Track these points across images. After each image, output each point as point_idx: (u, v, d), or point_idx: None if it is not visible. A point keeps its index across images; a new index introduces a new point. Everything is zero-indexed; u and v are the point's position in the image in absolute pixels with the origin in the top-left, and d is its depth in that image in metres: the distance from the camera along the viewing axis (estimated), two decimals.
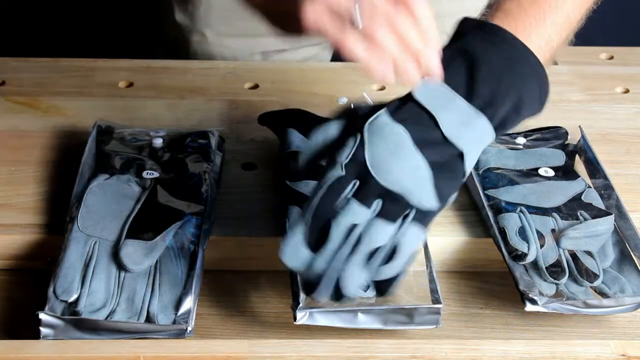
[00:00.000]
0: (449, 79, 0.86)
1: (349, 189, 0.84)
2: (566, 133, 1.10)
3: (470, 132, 0.86)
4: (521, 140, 1.09)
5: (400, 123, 0.85)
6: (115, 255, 0.91)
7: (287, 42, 1.35)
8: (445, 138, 0.85)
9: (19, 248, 0.97)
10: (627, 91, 1.23)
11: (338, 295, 0.83)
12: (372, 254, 0.83)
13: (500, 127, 0.88)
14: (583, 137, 1.09)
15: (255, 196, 1.03)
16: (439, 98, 0.86)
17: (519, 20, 0.90)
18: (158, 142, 1.06)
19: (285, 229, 0.93)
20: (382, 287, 0.85)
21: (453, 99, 0.86)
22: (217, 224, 0.98)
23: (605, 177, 1.04)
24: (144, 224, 0.94)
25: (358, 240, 0.83)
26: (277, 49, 1.35)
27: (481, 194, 1.00)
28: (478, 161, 1.04)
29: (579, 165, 1.08)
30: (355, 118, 0.88)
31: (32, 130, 1.13)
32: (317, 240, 0.83)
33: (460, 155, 0.85)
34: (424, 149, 0.84)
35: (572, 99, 1.21)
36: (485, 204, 0.98)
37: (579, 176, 1.03)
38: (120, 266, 0.90)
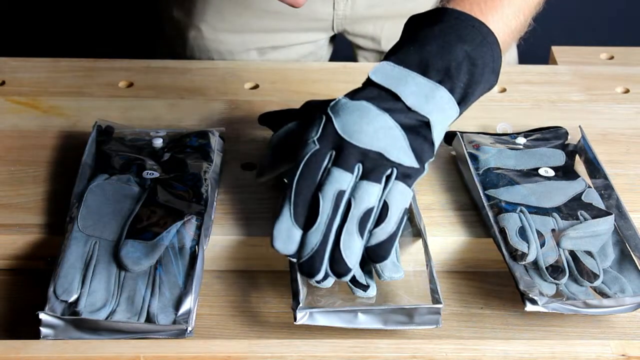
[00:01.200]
0: (402, 60, 0.89)
1: (327, 160, 0.85)
2: (566, 133, 1.10)
3: (432, 102, 0.88)
4: (521, 140, 1.09)
5: (360, 100, 0.88)
6: (115, 255, 0.91)
7: (283, 39, 1.35)
8: (408, 108, 0.88)
9: (19, 248, 0.97)
10: (627, 91, 1.23)
11: (339, 269, 0.84)
12: (363, 220, 0.84)
13: (462, 101, 0.90)
14: (583, 137, 1.09)
15: (255, 196, 1.03)
16: (395, 77, 0.88)
17: (474, 3, 0.92)
18: (158, 142, 1.06)
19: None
20: (378, 252, 0.85)
21: (410, 76, 0.88)
22: (217, 224, 0.98)
23: (605, 177, 1.04)
24: (144, 224, 0.94)
25: (348, 208, 0.84)
26: (273, 45, 1.36)
27: (481, 194, 1.00)
28: (478, 161, 1.04)
29: (579, 165, 1.08)
30: (311, 111, 0.91)
31: (32, 130, 1.13)
32: (306, 218, 0.84)
33: (427, 124, 0.88)
34: (391, 114, 0.87)
35: (572, 99, 1.21)
36: (485, 204, 0.98)
37: (579, 176, 1.03)
38: (120, 266, 0.90)
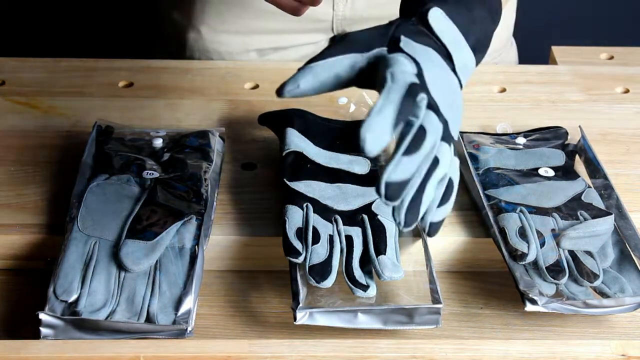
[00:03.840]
0: (454, 17, 0.88)
1: (422, 97, 0.81)
2: (566, 133, 1.10)
3: (466, 70, 0.88)
4: (521, 140, 1.09)
5: (429, 47, 0.86)
6: (115, 255, 0.91)
7: (283, 40, 1.35)
8: (455, 73, 0.87)
9: (19, 248, 0.97)
10: (627, 91, 1.23)
11: (410, 214, 0.80)
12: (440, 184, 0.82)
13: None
14: (583, 137, 1.09)
15: (255, 196, 1.03)
16: (448, 32, 0.87)
17: None
18: (158, 142, 1.06)
19: (285, 229, 0.93)
20: (437, 228, 0.85)
21: (460, 37, 0.88)
22: (217, 224, 0.98)
23: (605, 177, 1.04)
24: (144, 224, 0.94)
25: (430, 161, 0.80)
26: (273, 47, 1.36)
27: (481, 194, 1.00)
28: (478, 161, 1.04)
29: (579, 165, 1.08)
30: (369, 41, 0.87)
31: (32, 130, 1.13)
32: (393, 129, 0.78)
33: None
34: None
35: (572, 99, 1.21)
36: (485, 204, 0.98)
37: (579, 176, 1.03)
38: (120, 266, 0.90)
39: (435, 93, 0.83)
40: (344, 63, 0.86)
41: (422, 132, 0.79)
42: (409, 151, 0.78)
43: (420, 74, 0.83)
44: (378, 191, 0.77)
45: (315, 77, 0.86)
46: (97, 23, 2.20)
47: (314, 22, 1.34)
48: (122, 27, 2.18)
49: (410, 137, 0.79)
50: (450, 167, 0.83)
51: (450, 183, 0.83)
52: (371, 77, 0.85)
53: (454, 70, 0.87)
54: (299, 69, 0.87)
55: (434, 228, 0.85)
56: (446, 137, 0.82)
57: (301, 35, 1.35)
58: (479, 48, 0.89)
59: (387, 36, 0.87)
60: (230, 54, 1.35)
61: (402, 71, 0.82)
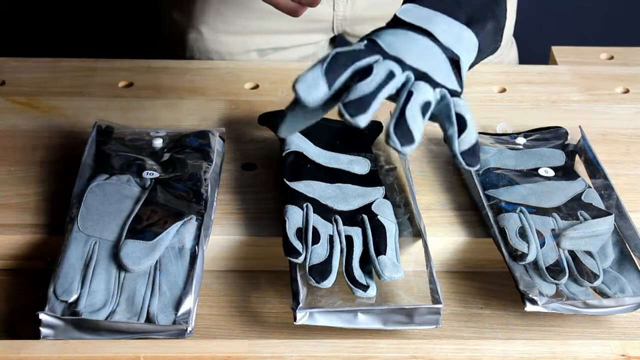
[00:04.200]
0: (428, 3, 0.87)
1: (372, 60, 0.81)
2: (566, 133, 1.10)
3: (461, 42, 0.86)
4: (521, 140, 1.09)
5: (397, 29, 0.86)
6: (115, 256, 0.91)
7: (283, 40, 1.35)
8: (442, 45, 0.85)
9: (19, 248, 0.97)
10: (627, 91, 1.23)
11: (403, 138, 0.79)
12: (424, 108, 0.80)
13: (480, 46, 0.89)
14: (583, 137, 1.09)
15: (255, 196, 1.03)
16: (424, 17, 0.86)
17: None
18: (158, 142, 1.06)
19: (285, 229, 0.93)
20: (471, 154, 0.82)
21: (438, 16, 0.87)
22: (217, 224, 0.98)
23: (605, 177, 1.04)
24: (144, 224, 0.94)
25: (406, 91, 0.80)
26: (274, 47, 1.36)
27: (481, 194, 1.00)
28: None
29: (579, 165, 1.08)
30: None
31: (32, 130, 1.13)
32: (334, 80, 0.78)
33: (457, 62, 0.86)
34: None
35: (572, 99, 1.21)
36: (485, 204, 0.98)
37: (579, 176, 1.03)
38: (120, 266, 0.90)
39: (396, 52, 0.82)
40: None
41: (367, 70, 0.79)
42: (361, 79, 0.78)
43: (373, 45, 0.83)
44: (339, 113, 0.77)
45: (299, 118, 0.86)
46: (97, 23, 2.20)
47: (314, 22, 1.34)
48: (122, 27, 2.18)
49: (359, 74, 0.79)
50: (452, 107, 0.82)
51: (460, 118, 0.82)
52: None
53: (440, 44, 0.86)
54: (283, 112, 0.86)
55: (467, 155, 0.82)
56: (423, 81, 0.81)
57: (301, 35, 1.35)
58: (475, 22, 0.87)
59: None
60: (230, 54, 1.35)
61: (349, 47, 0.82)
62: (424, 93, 0.81)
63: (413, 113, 0.79)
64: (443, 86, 0.83)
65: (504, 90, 1.23)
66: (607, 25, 2.21)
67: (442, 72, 0.84)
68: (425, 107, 0.81)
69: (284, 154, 1.03)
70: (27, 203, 1.01)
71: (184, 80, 1.23)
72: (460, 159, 0.81)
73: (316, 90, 0.78)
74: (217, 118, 1.16)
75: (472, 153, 0.82)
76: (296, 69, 1.27)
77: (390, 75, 0.80)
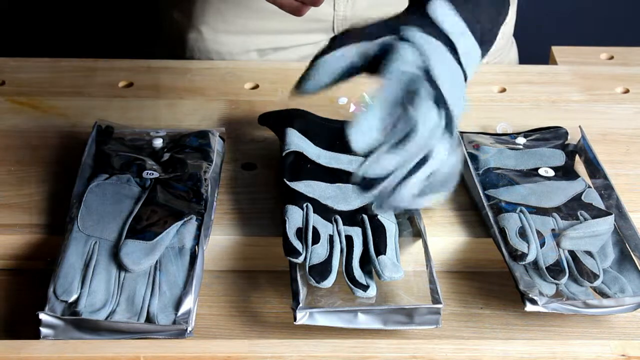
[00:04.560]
0: (457, 8, 0.87)
1: (423, 88, 0.82)
2: (566, 133, 1.10)
3: (472, 61, 0.88)
4: (521, 140, 1.09)
5: (433, 37, 0.86)
6: (115, 255, 0.91)
7: (283, 40, 1.35)
8: (460, 63, 0.87)
9: (19, 248, 0.97)
10: (627, 91, 1.23)
11: (386, 203, 0.82)
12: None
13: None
14: (583, 137, 1.09)
15: (255, 196, 1.03)
16: (451, 24, 0.87)
17: None
18: (158, 142, 1.06)
19: (285, 229, 0.93)
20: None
21: (464, 29, 0.87)
22: (217, 224, 0.98)
23: (605, 177, 1.04)
24: (144, 224, 0.94)
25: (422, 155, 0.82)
26: (274, 47, 1.36)
27: (481, 194, 1.00)
28: (478, 161, 1.04)
29: (579, 165, 1.08)
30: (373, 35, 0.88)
31: (32, 130, 1.13)
32: (385, 128, 0.80)
33: (464, 79, 0.87)
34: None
35: (572, 99, 1.21)
36: (485, 204, 0.98)
37: (579, 176, 1.03)
38: (120, 266, 0.90)
39: (442, 85, 0.83)
40: (355, 52, 0.87)
41: (412, 131, 0.80)
42: (393, 149, 0.80)
43: (426, 66, 0.84)
44: (354, 180, 0.80)
45: (329, 69, 0.87)
46: (97, 23, 2.20)
47: (314, 22, 1.34)
48: (122, 27, 2.18)
49: (398, 135, 0.80)
50: (447, 162, 0.83)
51: (449, 176, 0.83)
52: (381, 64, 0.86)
53: (458, 60, 0.87)
54: (311, 64, 0.87)
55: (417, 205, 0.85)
56: (448, 131, 0.83)
57: (302, 35, 1.35)
58: (485, 41, 0.88)
59: (392, 27, 0.87)
60: (230, 54, 1.35)
61: (404, 62, 0.83)
62: (435, 160, 0.82)
63: (408, 190, 0.82)
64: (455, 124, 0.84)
65: (504, 90, 1.23)
66: (607, 25, 2.21)
67: (459, 107, 0.85)
68: (431, 176, 0.83)
69: (284, 154, 1.03)
70: (27, 203, 1.01)
71: (184, 80, 1.23)
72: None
73: (369, 138, 0.80)
74: (217, 118, 1.16)
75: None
76: (296, 69, 1.26)
77: (424, 158, 0.81)
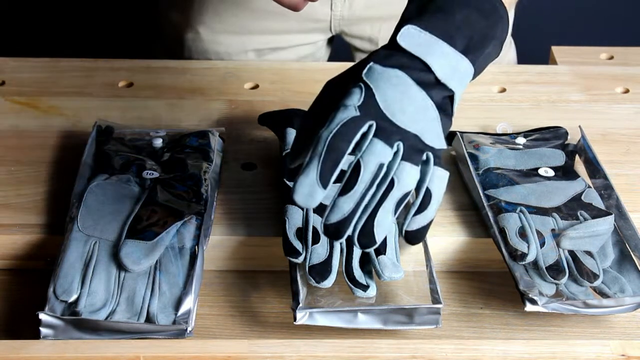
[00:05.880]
0: (428, 26, 0.87)
1: (366, 129, 0.83)
2: (566, 133, 1.10)
3: (457, 75, 0.87)
4: (521, 140, 1.09)
5: (394, 68, 0.86)
6: (115, 255, 0.91)
7: (281, 40, 1.35)
8: (438, 80, 0.86)
9: (19, 248, 0.97)
10: (627, 91, 1.23)
11: (366, 241, 0.83)
12: (400, 202, 0.83)
13: (475, 74, 0.90)
14: (583, 137, 1.09)
15: (255, 196, 1.03)
16: (423, 44, 0.87)
17: None
18: (158, 142, 1.06)
19: (285, 229, 0.93)
20: (417, 236, 0.85)
21: (438, 44, 0.87)
22: (217, 224, 0.98)
23: (605, 177, 1.04)
24: (144, 224, 0.94)
25: (385, 185, 0.83)
26: (271, 47, 1.36)
27: (481, 194, 1.00)
28: (478, 161, 1.04)
29: (579, 165, 1.08)
30: (340, 84, 0.88)
31: (32, 130, 1.13)
32: (328, 180, 0.82)
33: (451, 97, 0.87)
34: (425, 89, 0.86)
35: (572, 99, 1.21)
36: (485, 204, 0.98)
37: (579, 176, 1.03)
38: (120, 266, 0.90)
39: (391, 112, 0.84)
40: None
41: (356, 169, 0.82)
42: (343, 192, 0.82)
43: (369, 99, 0.84)
44: (323, 232, 0.83)
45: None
46: (97, 23, 2.20)
47: (312, 22, 1.34)
48: (122, 27, 2.18)
49: (345, 178, 0.82)
50: (427, 179, 0.84)
51: (427, 193, 0.84)
52: None
53: (435, 80, 0.86)
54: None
55: (411, 236, 0.85)
56: (410, 154, 0.83)
57: (299, 35, 1.35)
58: (473, 49, 0.88)
59: (358, 68, 0.88)
60: (228, 54, 1.35)
61: (344, 108, 0.84)
62: (406, 183, 0.83)
63: (384, 215, 0.83)
64: (431, 148, 0.84)
65: (503, 90, 1.23)
66: (607, 25, 2.21)
67: (433, 133, 0.85)
68: (404, 197, 0.83)
69: (283, 154, 1.03)
70: (27, 203, 1.01)
71: (184, 80, 1.23)
72: (403, 234, 0.85)
73: (314, 198, 0.82)
74: (217, 118, 1.16)
75: (416, 235, 0.85)
76: (296, 69, 1.27)
77: (379, 168, 0.83)
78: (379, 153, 0.83)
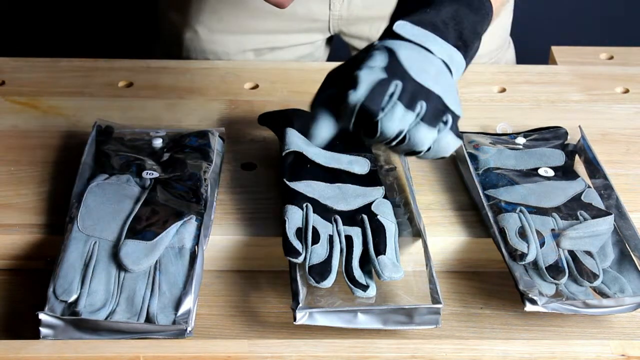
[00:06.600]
0: (419, 22, 0.88)
1: (393, 88, 0.83)
2: (566, 133, 1.10)
3: (454, 62, 0.88)
4: (521, 140, 1.09)
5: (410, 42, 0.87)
6: (115, 255, 0.91)
7: (279, 40, 1.35)
8: (443, 61, 0.87)
9: (19, 248, 0.97)
10: (627, 91, 1.23)
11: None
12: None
13: (467, 65, 0.91)
14: (583, 137, 1.09)
15: (255, 196, 1.03)
16: (420, 35, 0.88)
17: None
18: (158, 142, 1.06)
19: (284, 229, 0.93)
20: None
21: (432, 36, 0.88)
22: (217, 224, 0.98)
23: (605, 177, 1.04)
24: (144, 224, 0.94)
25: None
26: (270, 47, 1.36)
27: (481, 194, 1.00)
28: (478, 161, 1.04)
29: (579, 165, 1.08)
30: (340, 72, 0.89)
31: (32, 130, 1.13)
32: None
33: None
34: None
35: (572, 99, 1.21)
36: (485, 204, 0.98)
37: (578, 176, 1.03)
38: (120, 266, 0.90)
39: (415, 71, 0.84)
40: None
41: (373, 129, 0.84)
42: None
43: (393, 60, 0.85)
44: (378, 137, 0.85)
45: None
46: (97, 23, 2.20)
47: (310, 21, 1.34)
48: (122, 27, 2.18)
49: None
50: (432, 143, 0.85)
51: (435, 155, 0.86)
52: None
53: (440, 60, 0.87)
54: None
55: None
56: (431, 116, 0.84)
57: (298, 35, 1.35)
58: (463, 44, 0.89)
59: (365, 49, 0.88)
60: (226, 54, 1.35)
61: (369, 70, 0.84)
62: (420, 145, 0.85)
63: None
64: (452, 111, 0.85)
65: (503, 90, 1.23)
66: (607, 25, 2.21)
67: (453, 97, 0.86)
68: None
69: (283, 154, 1.03)
70: (27, 203, 1.01)
71: (184, 80, 1.23)
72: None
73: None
74: (216, 118, 1.16)
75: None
76: (296, 69, 1.27)
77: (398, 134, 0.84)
78: (400, 119, 0.83)
